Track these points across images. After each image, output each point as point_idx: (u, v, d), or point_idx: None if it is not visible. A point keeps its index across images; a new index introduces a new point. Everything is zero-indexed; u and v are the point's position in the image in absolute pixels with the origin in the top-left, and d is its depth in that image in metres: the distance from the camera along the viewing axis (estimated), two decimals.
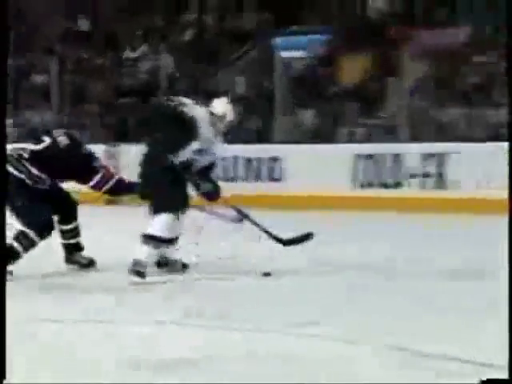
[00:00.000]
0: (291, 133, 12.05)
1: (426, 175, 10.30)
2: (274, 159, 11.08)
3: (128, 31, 14.46)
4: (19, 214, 6.08)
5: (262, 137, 11.77)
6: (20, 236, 6.08)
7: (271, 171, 11.11)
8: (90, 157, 6.36)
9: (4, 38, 4.07)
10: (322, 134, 11.58)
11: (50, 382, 3.28)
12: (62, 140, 6.32)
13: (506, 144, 9.35)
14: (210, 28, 14.23)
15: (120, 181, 6.38)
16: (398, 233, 8.12)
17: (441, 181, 10.21)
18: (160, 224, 5.84)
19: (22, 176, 6.18)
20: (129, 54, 14.02)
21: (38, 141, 6.33)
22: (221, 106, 6.19)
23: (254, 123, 11.83)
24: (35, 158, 6.25)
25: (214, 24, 14.24)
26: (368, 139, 11.24)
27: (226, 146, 6.44)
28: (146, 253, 5.84)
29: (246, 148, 11.09)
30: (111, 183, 6.28)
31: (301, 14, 13.53)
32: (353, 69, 12.14)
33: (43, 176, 6.20)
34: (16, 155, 6.20)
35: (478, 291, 5.22)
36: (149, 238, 5.83)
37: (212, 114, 6.07)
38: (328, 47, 12.85)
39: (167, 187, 5.94)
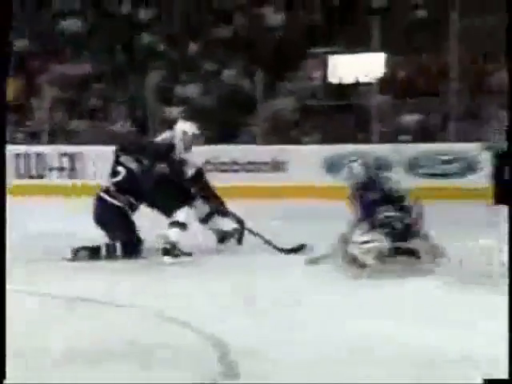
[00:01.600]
0: None
1: (61, 168, 13.15)
2: None
3: None
4: (116, 234, 6.57)
5: None
6: (110, 247, 6.56)
7: None
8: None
9: (4, 40, 4.14)
10: None
11: None
12: (132, 165, 6.90)
13: None
14: None
15: None
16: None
17: (73, 173, 13.12)
18: (181, 214, 6.60)
19: (121, 204, 6.73)
20: None
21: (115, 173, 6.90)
22: (180, 125, 6.98)
23: None
24: (120, 188, 6.79)
25: None
26: (23, 142, 13.78)
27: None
28: (175, 234, 6.49)
29: None
30: None
31: None
32: (7, 90, 14.52)
33: (131, 199, 6.79)
34: (110, 187, 6.79)
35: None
36: (175, 224, 6.56)
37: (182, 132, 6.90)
38: None
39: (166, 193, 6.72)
